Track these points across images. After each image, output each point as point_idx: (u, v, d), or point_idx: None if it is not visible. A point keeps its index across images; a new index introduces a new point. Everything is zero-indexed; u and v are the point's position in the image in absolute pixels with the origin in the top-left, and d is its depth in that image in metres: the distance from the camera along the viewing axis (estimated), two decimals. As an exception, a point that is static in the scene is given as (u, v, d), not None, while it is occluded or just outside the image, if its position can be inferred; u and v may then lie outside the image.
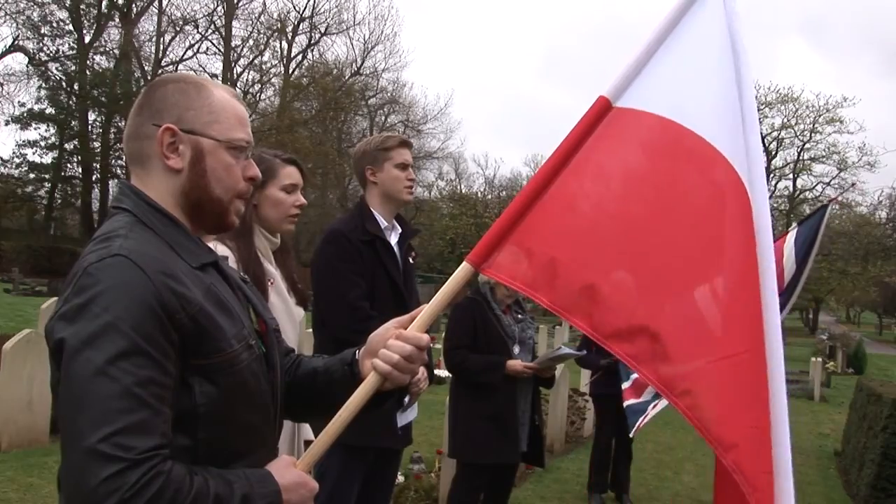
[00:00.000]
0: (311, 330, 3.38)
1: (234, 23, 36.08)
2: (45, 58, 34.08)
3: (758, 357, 1.49)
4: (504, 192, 47.79)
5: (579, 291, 1.60)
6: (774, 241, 5.94)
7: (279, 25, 37.01)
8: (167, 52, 35.89)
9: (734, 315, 1.55)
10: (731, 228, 1.63)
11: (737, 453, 1.45)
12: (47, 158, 35.45)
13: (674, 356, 1.53)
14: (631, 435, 5.31)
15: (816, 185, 41.65)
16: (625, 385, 5.20)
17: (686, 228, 1.64)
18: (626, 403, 5.19)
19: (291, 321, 2.65)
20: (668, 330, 1.55)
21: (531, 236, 1.63)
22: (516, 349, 4.21)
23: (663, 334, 1.55)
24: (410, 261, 3.38)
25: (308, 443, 2.72)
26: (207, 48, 36.53)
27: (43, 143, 34.91)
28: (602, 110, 1.69)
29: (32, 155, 34.88)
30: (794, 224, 5.99)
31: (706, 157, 1.67)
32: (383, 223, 3.23)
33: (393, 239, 3.26)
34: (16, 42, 33.54)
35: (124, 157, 1.64)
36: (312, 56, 39.70)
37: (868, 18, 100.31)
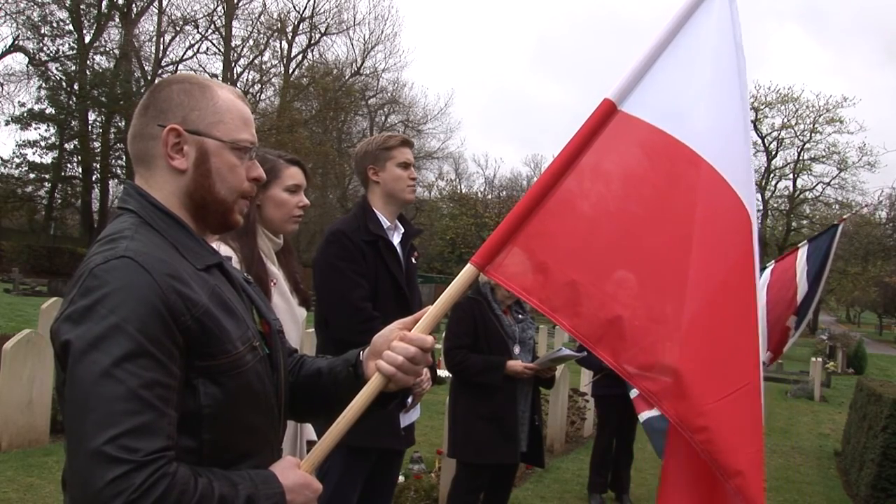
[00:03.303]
0: (312, 330, 3.38)
1: (234, 23, 36.14)
2: (45, 58, 34.13)
3: (756, 386, 1.60)
4: (504, 192, 47.77)
5: (605, 324, 1.62)
6: (784, 258, 5.82)
7: (279, 25, 37.03)
8: (167, 52, 35.99)
9: (739, 346, 1.63)
10: (731, 251, 1.68)
11: (741, 479, 1.53)
12: (47, 158, 35.50)
13: (691, 394, 1.58)
14: (662, 458, 5.16)
15: (816, 184, 41.57)
16: (633, 394, 5.11)
17: (690, 247, 1.66)
18: (642, 418, 5.08)
19: (294, 321, 2.65)
20: (688, 367, 1.59)
21: (537, 240, 1.63)
22: (516, 349, 4.21)
23: (683, 372, 1.58)
24: (413, 260, 3.38)
25: (311, 443, 2.72)
26: (207, 48, 36.64)
27: (43, 143, 34.92)
28: (607, 113, 1.69)
29: (32, 155, 34.96)
30: (805, 241, 5.86)
31: (703, 176, 1.70)
32: (386, 223, 3.23)
33: (396, 239, 3.26)
34: (16, 42, 33.63)
35: (126, 157, 1.64)
36: (312, 56, 39.80)
37: (867, 7, 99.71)
